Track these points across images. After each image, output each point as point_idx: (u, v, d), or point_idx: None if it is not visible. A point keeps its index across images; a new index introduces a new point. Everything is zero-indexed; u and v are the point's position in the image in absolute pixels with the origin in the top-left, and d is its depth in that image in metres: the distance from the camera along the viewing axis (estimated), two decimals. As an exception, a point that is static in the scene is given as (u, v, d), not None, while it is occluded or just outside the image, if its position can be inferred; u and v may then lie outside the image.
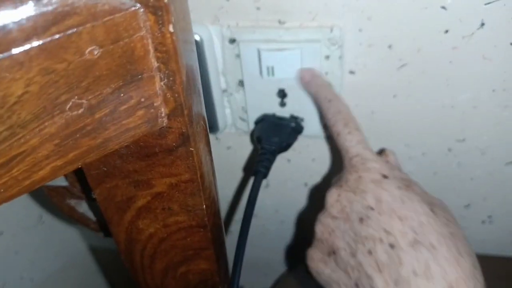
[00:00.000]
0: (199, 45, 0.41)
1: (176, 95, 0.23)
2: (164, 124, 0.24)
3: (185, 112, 0.24)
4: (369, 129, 0.47)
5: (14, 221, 0.62)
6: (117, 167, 0.26)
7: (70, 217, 0.36)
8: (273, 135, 0.45)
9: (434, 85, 0.42)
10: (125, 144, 0.23)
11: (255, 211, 0.38)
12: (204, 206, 0.29)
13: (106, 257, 0.81)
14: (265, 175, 0.41)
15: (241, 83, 0.45)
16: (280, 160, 0.53)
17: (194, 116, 0.25)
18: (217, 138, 0.53)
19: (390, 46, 0.40)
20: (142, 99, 0.22)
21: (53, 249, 0.70)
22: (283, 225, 0.63)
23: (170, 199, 0.28)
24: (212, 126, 0.49)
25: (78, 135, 0.21)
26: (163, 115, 0.23)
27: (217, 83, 0.46)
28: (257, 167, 0.42)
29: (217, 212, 0.33)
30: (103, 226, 0.36)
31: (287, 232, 0.64)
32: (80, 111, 0.20)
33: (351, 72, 0.43)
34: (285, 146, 0.45)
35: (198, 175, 0.27)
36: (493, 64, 0.39)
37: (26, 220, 0.64)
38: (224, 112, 0.49)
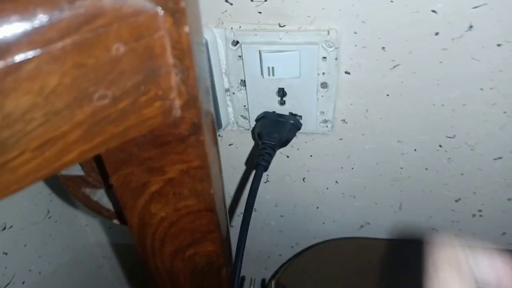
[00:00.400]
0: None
1: (189, 88, 0.25)
2: (178, 115, 0.26)
3: (197, 104, 0.26)
4: (363, 127, 0.48)
5: (23, 215, 0.64)
6: (133, 155, 0.29)
7: (85, 205, 0.38)
8: (273, 131, 0.46)
9: (425, 85, 0.43)
10: (144, 132, 0.25)
11: (255, 206, 0.39)
12: (212, 191, 0.31)
13: (111, 251, 0.83)
14: (265, 168, 0.43)
15: (243, 83, 0.47)
16: (279, 156, 0.55)
17: (203, 109, 0.28)
18: (219, 135, 0.55)
19: (383, 48, 0.41)
20: (160, 92, 0.24)
21: (60, 243, 0.72)
22: (282, 219, 0.64)
23: (181, 185, 0.30)
24: (215, 123, 0.50)
25: (103, 123, 0.23)
26: (177, 106, 0.26)
27: (221, 82, 0.47)
28: (258, 160, 0.44)
29: (223, 197, 0.35)
30: (119, 213, 0.38)
31: (287, 226, 0.65)
32: (106, 101, 0.22)
33: (347, 72, 0.44)
34: (284, 141, 0.47)
35: (207, 162, 0.29)
36: (481, 64, 0.41)
37: (34, 215, 0.66)
38: (227, 110, 0.51)
